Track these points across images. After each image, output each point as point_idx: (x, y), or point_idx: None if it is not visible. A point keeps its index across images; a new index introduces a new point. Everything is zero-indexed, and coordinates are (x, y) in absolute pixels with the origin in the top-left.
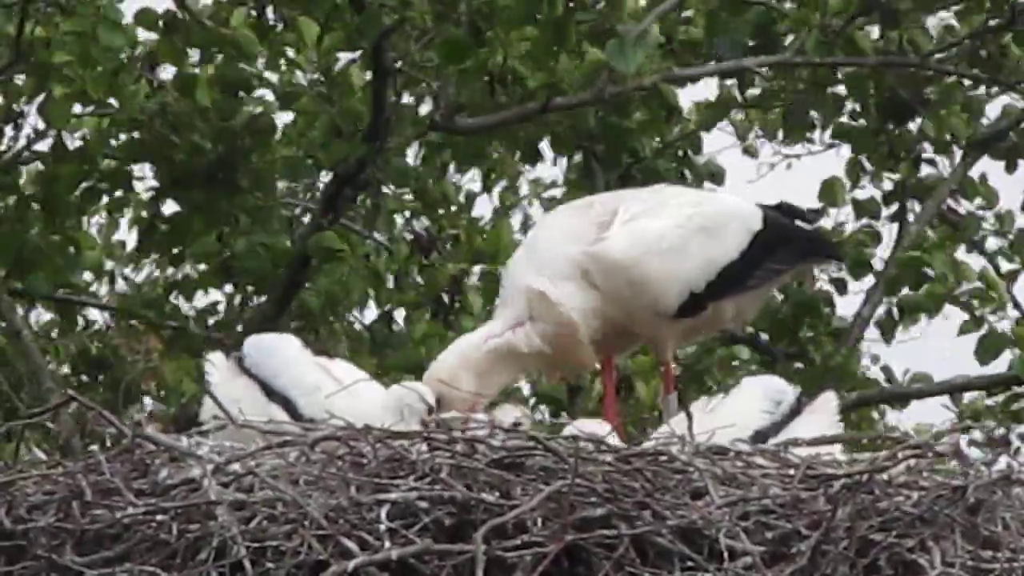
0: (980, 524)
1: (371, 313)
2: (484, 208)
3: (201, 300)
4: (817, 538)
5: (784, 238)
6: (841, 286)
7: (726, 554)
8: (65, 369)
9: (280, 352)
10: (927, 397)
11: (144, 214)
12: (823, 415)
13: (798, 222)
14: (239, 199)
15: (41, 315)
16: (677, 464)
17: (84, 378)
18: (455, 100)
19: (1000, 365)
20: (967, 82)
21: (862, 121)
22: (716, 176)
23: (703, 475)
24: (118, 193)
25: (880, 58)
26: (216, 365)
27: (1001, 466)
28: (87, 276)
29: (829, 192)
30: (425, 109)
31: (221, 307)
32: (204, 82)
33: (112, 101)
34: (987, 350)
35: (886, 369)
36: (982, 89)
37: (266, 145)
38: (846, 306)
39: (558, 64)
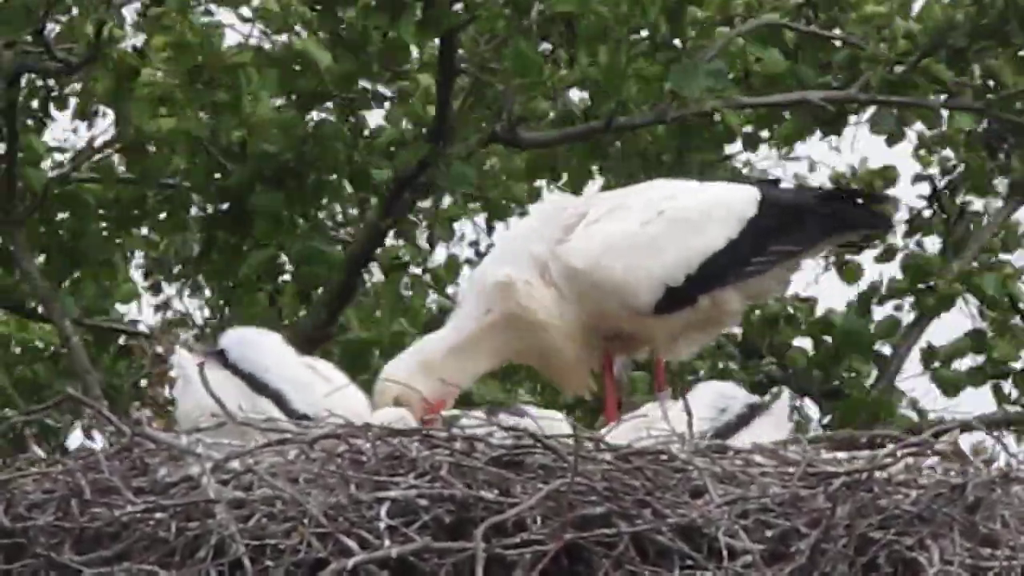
0: (979, 522)
1: None
2: None
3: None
4: (816, 536)
5: (795, 219)
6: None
7: (725, 552)
8: None
9: (267, 347)
10: (963, 433)
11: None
12: (776, 420)
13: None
14: (306, 206)
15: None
16: (677, 463)
17: None
18: (518, 113)
19: None
20: None
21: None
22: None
23: (702, 474)
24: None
25: (946, 101)
26: (184, 363)
27: (1000, 464)
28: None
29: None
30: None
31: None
32: (266, 97)
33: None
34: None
35: (913, 401)
36: None
37: (334, 152)
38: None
39: (625, 84)
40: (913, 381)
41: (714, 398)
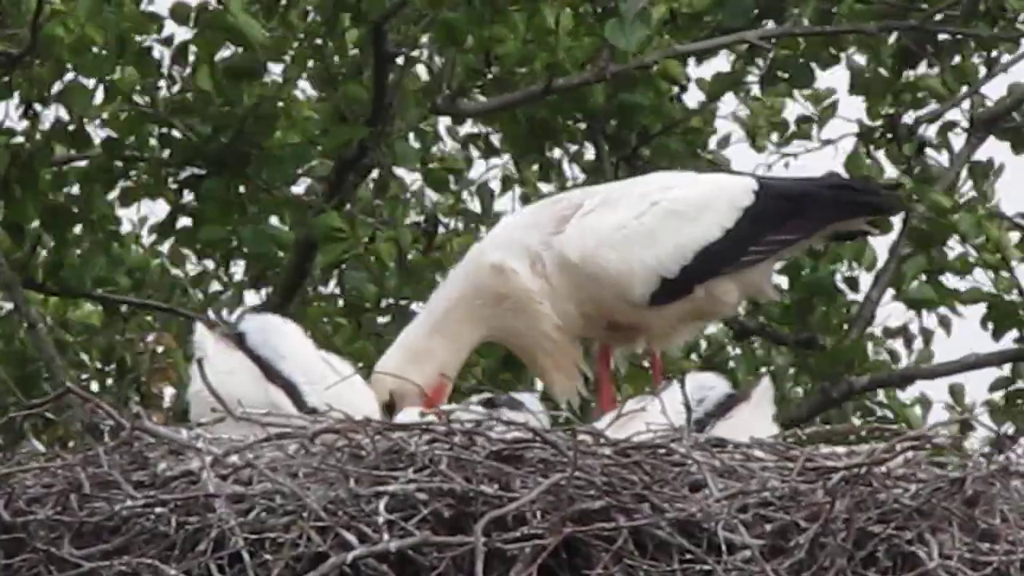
0: (978, 516)
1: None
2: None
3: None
4: (815, 530)
5: (793, 207)
6: (852, 283)
7: (724, 547)
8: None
9: (287, 336)
10: (940, 377)
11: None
12: (756, 407)
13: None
14: (250, 188)
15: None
16: (676, 457)
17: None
18: (455, 83)
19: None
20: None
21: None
22: (722, 169)
23: (702, 468)
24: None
25: (881, 23)
26: (203, 340)
27: (999, 458)
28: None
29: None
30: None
31: (224, 297)
32: (205, 68)
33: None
34: (997, 323)
35: (891, 352)
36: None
37: (271, 132)
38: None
39: (558, 43)
40: (887, 311)
41: (692, 389)
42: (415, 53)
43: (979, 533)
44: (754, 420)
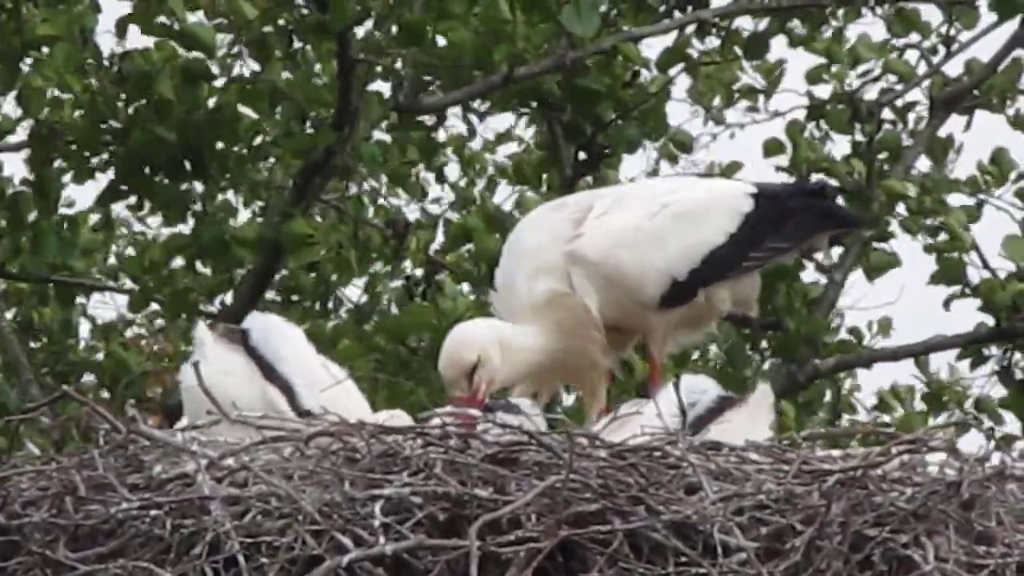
0: (974, 519)
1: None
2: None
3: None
4: (811, 533)
5: (786, 215)
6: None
7: (720, 549)
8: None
9: (289, 338)
10: (904, 358)
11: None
12: (752, 412)
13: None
14: (207, 187)
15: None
16: (671, 459)
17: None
18: (415, 80)
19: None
20: None
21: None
22: (683, 145)
23: (697, 470)
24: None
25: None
26: (204, 337)
27: (995, 462)
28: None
29: (775, 149)
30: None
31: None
32: (166, 76)
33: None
34: (944, 274)
35: (854, 331)
36: None
37: (232, 136)
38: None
39: (515, 32)
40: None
41: (685, 392)
42: (380, 60)
43: (975, 536)
44: (752, 424)
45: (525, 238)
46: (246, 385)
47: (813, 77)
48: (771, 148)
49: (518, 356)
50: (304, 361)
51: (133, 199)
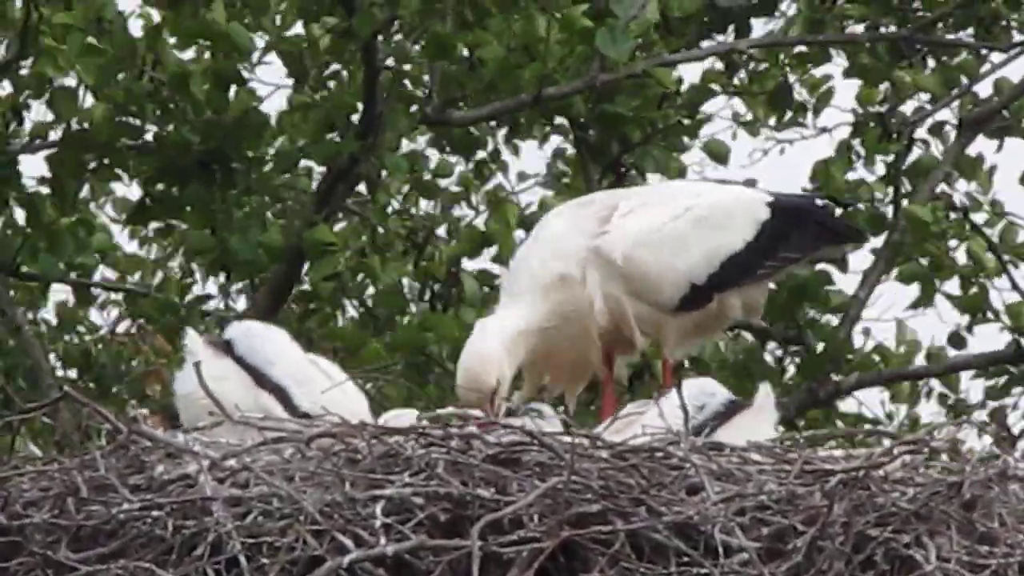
0: (976, 520)
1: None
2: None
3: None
4: (813, 534)
5: (798, 226)
6: (842, 264)
7: (721, 550)
8: (72, 373)
9: (274, 341)
10: (926, 377)
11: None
12: (758, 414)
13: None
14: (233, 193)
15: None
16: (673, 460)
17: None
18: (443, 94)
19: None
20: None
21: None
22: (719, 156)
23: (699, 471)
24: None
25: (870, 34)
26: (194, 345)
27: (997, 462)
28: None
29: (823, 174)
30: (417, 104)
31: (213, 303)
32: (199, 75)
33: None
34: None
35: (880, 349)
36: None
37: (258, 139)
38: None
39: (548, 52)
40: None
41: (693, 395)
42: (407, 67)
43: (977, 536)
44: (758, 427)
45: (551, 225)
46: (241, 391)
47: (868, 98)
48: (820, 174)
49: (516, 340)
50: (293, 362)
51: (161, 223)
